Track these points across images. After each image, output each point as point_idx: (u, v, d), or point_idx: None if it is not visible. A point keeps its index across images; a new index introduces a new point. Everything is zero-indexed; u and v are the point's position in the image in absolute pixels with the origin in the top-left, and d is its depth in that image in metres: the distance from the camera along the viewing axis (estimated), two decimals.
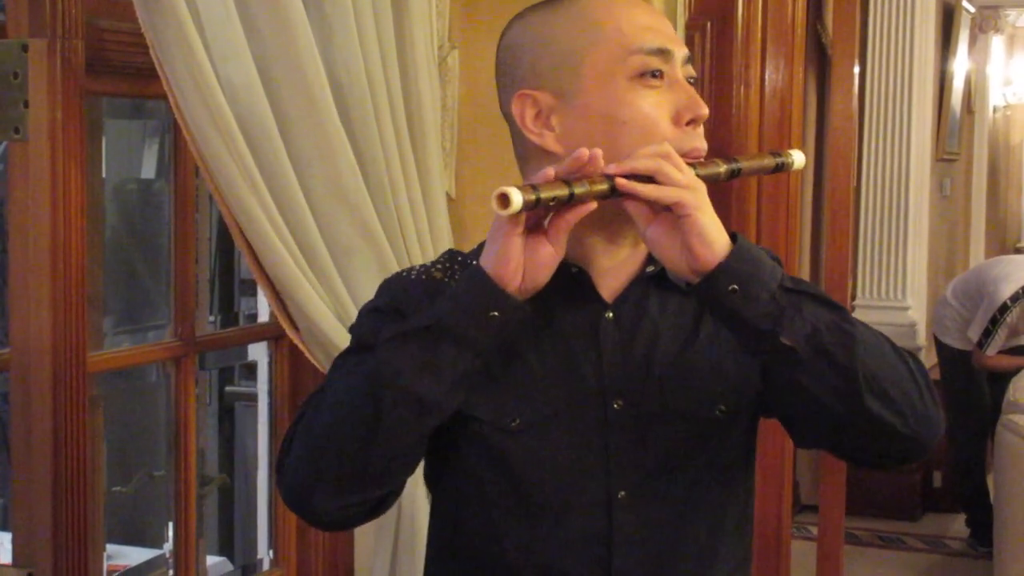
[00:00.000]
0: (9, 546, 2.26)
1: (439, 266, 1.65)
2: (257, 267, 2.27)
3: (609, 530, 1.58)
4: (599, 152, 1.43)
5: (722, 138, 2.78)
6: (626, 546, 1.58)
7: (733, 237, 1.44)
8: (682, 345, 1.61)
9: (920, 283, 6.97)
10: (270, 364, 2.96)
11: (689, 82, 1.59)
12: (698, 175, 1.46)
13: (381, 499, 1.57)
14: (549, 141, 1.57)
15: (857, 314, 6.95)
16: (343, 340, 2.30)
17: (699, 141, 1.56)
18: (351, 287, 2.38)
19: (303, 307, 2.31)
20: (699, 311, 1.61)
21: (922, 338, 6.92)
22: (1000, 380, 5.98)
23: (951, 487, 6.73)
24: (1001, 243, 10.01)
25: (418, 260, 2.46)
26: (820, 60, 6.24)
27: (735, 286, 1.41)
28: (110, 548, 3.24)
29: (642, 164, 1.43)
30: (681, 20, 2.79)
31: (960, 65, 7.71)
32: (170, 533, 2.94)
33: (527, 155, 1.61)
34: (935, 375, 6.79)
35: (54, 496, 2.13)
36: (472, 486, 1.62)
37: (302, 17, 2.20)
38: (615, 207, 1.48)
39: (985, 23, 8.71)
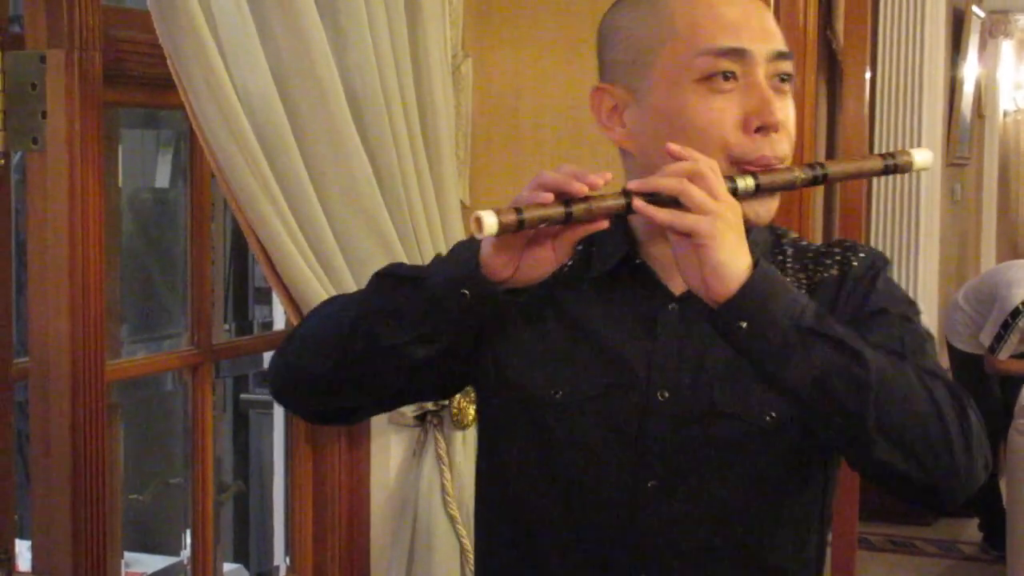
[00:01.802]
0: (28, 554, 2.27)
1: None
2: (274, 275, 2.28)
3: (635, 519, 1.55)
4: (598, 182, 1.39)
5: None
6: (652, 539, 1.55)
7: (756, 263, 1.40)
8: None
9: (931, 288, 6.96)
10: None
11: (782, 78, 1.52)
12: (762, 184, 1.43)
13: (351, 410, 1.66)
14: (619, 136, 1.56)
15: None
16: None
17: (769, 148, 1.49)
18: None
19: None
20: None
21: (933, 343, 6.90)
22: (1012, 384, 5.98)
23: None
24: (1012, 247, 9.99)
25: None
26: (830, 66, 6.24)
27: (743, 323, 1.38)
28: (127, 556, 3.25)
29: (664, 184, 1.39)
30: None
31: (970, 70, 7.71)
32: (187, 540, 2.95)
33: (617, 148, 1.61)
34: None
35: (73, 504, 2.14)
36: (517, 452, 1.61)
37: (317, 26, 2.22)
38: None
39: (995, 28, 8.70)
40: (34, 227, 2.13)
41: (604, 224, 1.41)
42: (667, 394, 1.55)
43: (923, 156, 1.51)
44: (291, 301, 2.32)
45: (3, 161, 2.15)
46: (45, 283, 2.13)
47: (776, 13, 2.76)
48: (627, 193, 1.40)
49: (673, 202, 1.38)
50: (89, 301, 2.13)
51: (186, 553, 3.48)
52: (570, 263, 1.57)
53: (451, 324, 1.49)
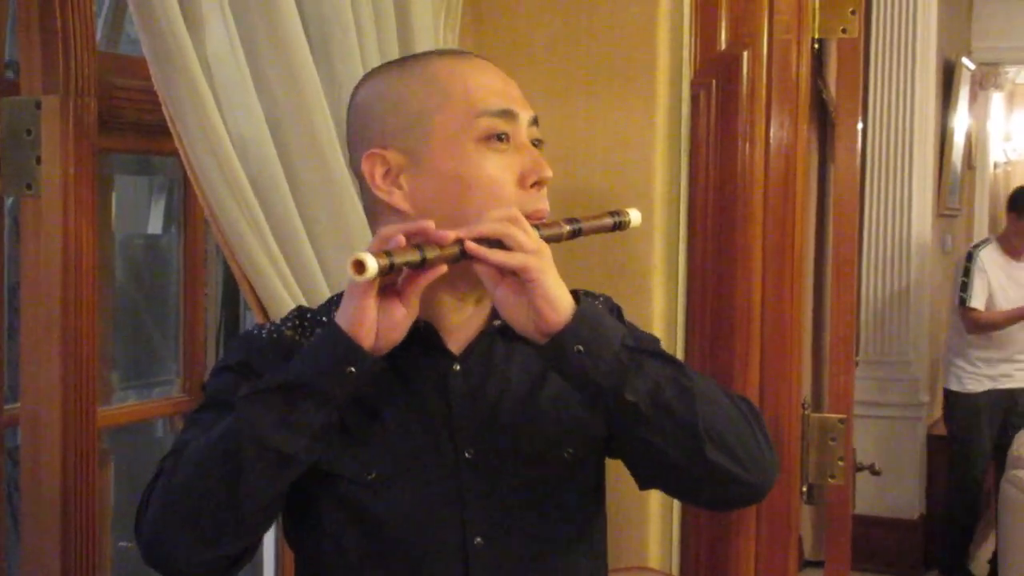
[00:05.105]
0: None
1: (289, 324, 1.70)
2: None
3: None
4: (449, 235, 1.48)
5: (728, 195, 2.79)
6: None
7: (576, 297, 1.50)
8: (530, 392, 1.68)
9: (922, 338, 6.97)
10: None
11: (535, 144, 1.65)
12: (542, 236, 1.52)
13: (240, 554, 1.59)
14: (397, 199, 1.62)
15: (860, 370, 6.88)
16: None
17: (542, 203, 1.62)
18: None
19: None
20: None
21: (924, 393, 6.91)
22: (1006, 427, 5.99)
23: (935, 542, 6.71)
24: None
25: None
26: (820, 116, 6.27)
27: (580, 347, 1.47)
28: None
29: (489, 228, 1.49)
30: (686, 78, 2.81)
31: (961, 121, 7.75)
32: None
33: (375, 211, 1.67)
34: (941, 430, 6.78)
35: (63, 551, 2.13)
36: (331, 539, 1.65)
37: (312, 73, 2.22)
38: (463, 268, 1.52)
39: (985, 80, 8.76)
40: (28, 273, 2.13)
41: (444, 269, 1.49)
42: (472, 451, 1.63)
43: (636, 216, 1.67)
44: None
45: None
46: (37, 329, 2.12)
47: (768, 63, 2.77)
48: (458, 241, 1.49)
49: (496, 245, 1.48)
50: (81, 347, 2.13)
51: None
52: None
53: (342, 409, 1.52)
